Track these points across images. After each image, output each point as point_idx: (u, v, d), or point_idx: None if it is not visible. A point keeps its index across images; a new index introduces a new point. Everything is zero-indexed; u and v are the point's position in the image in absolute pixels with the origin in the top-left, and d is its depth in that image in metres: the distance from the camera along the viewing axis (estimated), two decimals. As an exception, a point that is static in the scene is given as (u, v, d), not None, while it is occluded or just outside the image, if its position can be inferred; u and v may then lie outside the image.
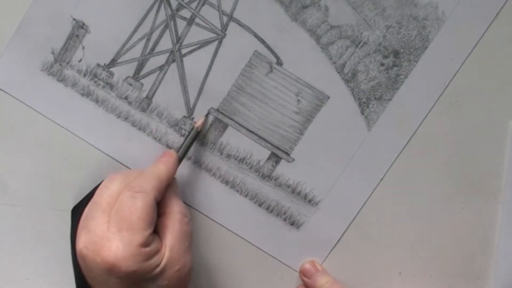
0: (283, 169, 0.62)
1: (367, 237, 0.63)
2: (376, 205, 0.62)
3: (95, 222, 0.52)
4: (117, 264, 0.50)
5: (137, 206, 0.52)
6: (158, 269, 0.52)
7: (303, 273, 0.62)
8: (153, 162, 0.58)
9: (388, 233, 0.63)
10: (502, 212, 0.62)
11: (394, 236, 0.63)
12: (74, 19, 0.60)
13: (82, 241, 0.52)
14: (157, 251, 0.52)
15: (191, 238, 0.56)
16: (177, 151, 0.59)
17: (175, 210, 0.55)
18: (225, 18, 0.60)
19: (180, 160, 0.59)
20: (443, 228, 0.63)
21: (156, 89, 0.61)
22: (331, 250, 0.63)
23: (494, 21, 0.60)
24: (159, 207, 0.54)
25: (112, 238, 0.51)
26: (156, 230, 0.54)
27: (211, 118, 0.61)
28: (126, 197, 0.52)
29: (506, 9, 0.60)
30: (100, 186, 0.55)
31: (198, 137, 0.61)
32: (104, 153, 0.61)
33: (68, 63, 0.60)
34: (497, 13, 0.60)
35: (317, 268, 0.62)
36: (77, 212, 0.57)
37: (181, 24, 0.60)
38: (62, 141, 0.61)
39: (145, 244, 0.51)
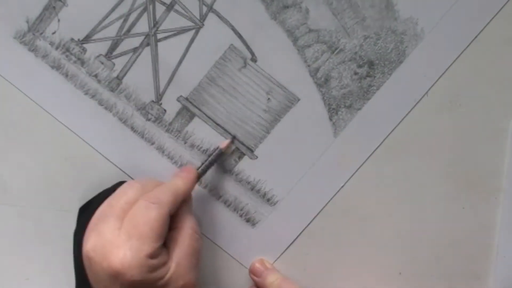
0: (245, 166, 0.62)
1: (367, 237, 0.63)
2: (376, 205, 0.62)
3: (107, 226, 0.52)
4: (122, 272, 0.50)
5: (151, 217, 0.51)
6: (161, 282, 0.52)
7: (252, 272, 0.63)
8: (172, 175, 0.58)
9: (388, 233, 0.63)
10: (502, 212, 0.62)
11: (394, 236, 0.63)
12: (53, -9, 0.59)
13: (90, 243, 0.52)
14: (163, 264, 0.52)
15: (199, 256, 0.56)
16: (198, 168, 0.59)
17: (187, 226, 0.55)
18: (204, 8, 0.60)
19: (199, 177, 0.59)
20: (443, 228, 0.63)
21: (128, 70, 0.61)
22: (284, 251, 0.63)
23: (474, 41, 0.61)
24: (172, 221, 0.54)
25: (121, 245, 0.50)
26: (166, 243, 0.53)
27: (179, 106, 0.61)
28: (141, 207, 0.52)
29: (486, 30, 0.61)
30: (118, 190, 0.55)
31: (221, 158, 0.61)
32: (69, 128, 0.61)
33: (41, 33, 0.60)
34: (476, 35, 0.61)
35: (266, 266, 0.62)
36: (86, 211, 0.57)
37: (160, 9, 0.60)
38: (62, 140, 0.61)
39: (153, 255, 0.51)
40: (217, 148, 0.60)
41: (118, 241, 0.51)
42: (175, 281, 0.52)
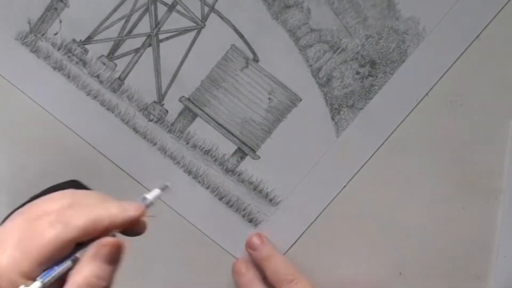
0: (247, 166, 0.62)
1: (368, 237, 0.63)
2: (377, 205, 0.62)
3: (13, 223, 0.44)
4: None
5: (47, 235, 0.43)
6: None
7: (249, 246, 0.62)
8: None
9: (388, 233, 0.63)
10: (502, 212, 0.62)
11: (394, 236, 0.63)
12: (55, -8, 0.59)
13: None
14: None
15: None
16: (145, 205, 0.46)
17: (83, 274, 0.43)
18: (206, 9, 0.60)
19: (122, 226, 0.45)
20: (443, 228, 0.63)
21: (130, 71, 0.61)
22: (287, 251, 0.63)
23: (475, 41, 0.61)
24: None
25: (6, 248, 0.43)
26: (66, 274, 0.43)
27: (181, 106, 0.61)
28: (46, 221, 0.43)
29: (486, 30, 0.61)
30: (50, 195, 0.47)
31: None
32: (71, 129, 0.61)
33: (43, 35, 0.60)
34: (478, 34, 0.61)
35: (263, 240, 0.62)
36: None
37: (161, 9, 0.60)
38: (63, 141, 0.61)
39: (29, 276, 0.42)
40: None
41: (6, 242, 0.43)
42: None
